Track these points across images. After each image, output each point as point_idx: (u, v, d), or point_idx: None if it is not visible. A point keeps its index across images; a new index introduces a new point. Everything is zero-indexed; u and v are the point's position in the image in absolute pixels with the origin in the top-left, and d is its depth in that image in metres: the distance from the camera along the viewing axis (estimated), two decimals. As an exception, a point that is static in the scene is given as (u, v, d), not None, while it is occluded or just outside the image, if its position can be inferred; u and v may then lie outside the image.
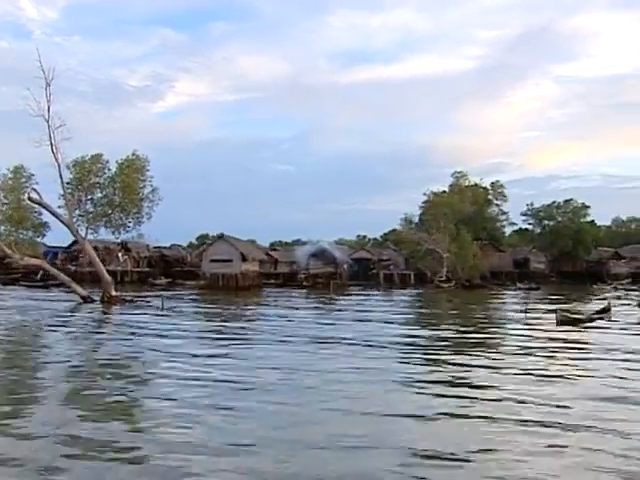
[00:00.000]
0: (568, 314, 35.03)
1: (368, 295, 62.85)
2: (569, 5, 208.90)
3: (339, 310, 44.75)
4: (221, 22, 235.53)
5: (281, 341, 25.81)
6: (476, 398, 14.98)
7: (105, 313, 40.43)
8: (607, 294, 60.89)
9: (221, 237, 73.71)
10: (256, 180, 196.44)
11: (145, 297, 51.04)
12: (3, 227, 47.37)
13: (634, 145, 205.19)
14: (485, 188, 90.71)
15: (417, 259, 79.97)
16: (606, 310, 37.56)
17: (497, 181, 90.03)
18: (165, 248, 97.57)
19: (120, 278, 78.33)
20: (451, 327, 31.97)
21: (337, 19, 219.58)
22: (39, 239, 54.80)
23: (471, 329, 31.21)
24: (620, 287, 77.48)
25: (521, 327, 32.30)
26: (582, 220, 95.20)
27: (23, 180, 48.77)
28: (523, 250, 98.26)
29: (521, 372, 18.54)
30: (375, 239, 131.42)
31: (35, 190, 47.75)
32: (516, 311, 41.68)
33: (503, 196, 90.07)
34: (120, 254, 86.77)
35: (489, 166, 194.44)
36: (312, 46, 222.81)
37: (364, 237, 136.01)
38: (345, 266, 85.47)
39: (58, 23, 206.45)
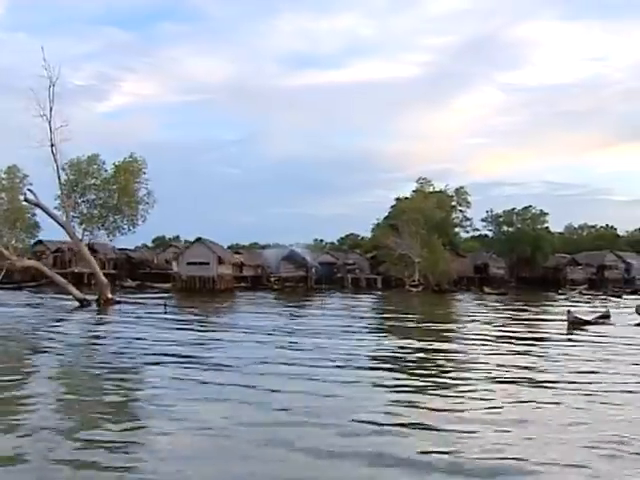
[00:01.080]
0: (579, 316, 36.61)
1: (354, 298, 63.51)
2: (514, 14, 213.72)
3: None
4: (169, 23, 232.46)
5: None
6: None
7: (101, 315, 40.52)
8: (573, 299, 64.32)
9: (198, 240, 73.72)
10: (202, 183, 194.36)
11: (138, 300, 50.87)
12: (-1, 228, 46.59)
13: (575, 153, 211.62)
14: (450, 195, 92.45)
15: (389, 263, 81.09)
16: (606, 316, 39.32)
17: (461, 187, 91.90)
18: (130, 250, 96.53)
19: (87, 280, 77.39)
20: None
21: (285, 23, 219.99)
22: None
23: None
24: (578, 293, 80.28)
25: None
26: (540, 227, 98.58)
27: (17, 180, 48.16)
28: (482, 256, 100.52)
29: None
30: (332, 243, 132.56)
31: (31, 191, 47.23)
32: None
33: (467, 202, 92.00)
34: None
35: (434, 172, 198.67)
36: (260, 49, 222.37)
37: (321, 241, 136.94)
38: (313, 270, 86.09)
39: (3, 19, 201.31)
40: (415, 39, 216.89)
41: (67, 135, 45.59)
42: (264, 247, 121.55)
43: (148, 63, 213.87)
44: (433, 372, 19.75)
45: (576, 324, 34.68)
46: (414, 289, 76.40)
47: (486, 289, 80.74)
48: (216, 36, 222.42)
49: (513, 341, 28.28)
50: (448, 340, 29.39)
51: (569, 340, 29.37)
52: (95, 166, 48.97)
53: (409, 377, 19.02)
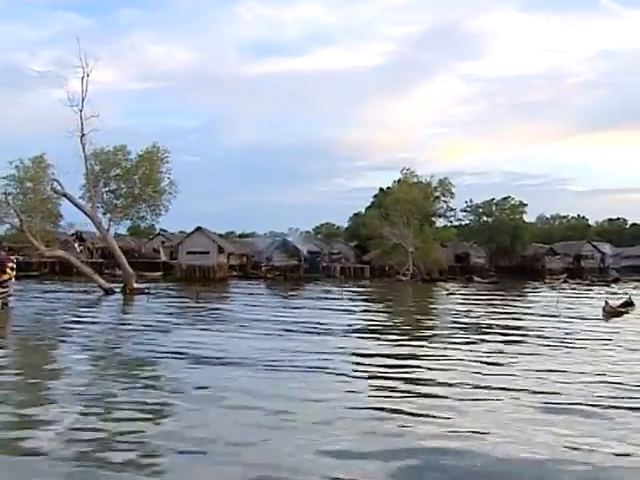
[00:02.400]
0: (612, 306, 38.36)
1: (363, 288, 64.41)
2: (476, 5, 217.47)
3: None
4: (130, 9, 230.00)
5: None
6: None
7: (127, 305, 40.70)
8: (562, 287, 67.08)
9: (198, 229, 73.99)
10: None
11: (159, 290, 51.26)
12: (25, 218, 46.28)
13: (534, 143, 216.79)
14: (435, 186, 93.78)
15: (383, 253, 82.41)
16: (630, 303, 41.23)
17: (445, 178, 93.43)
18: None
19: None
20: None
21: (246, 10, 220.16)
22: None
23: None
24: (563, 282, 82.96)
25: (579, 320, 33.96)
26: (519, 217, 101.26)
27: (44, 171, 47.98)
28: (463, 245, 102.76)
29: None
30: (307, 232, 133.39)
31: (57, 181, 47.16)
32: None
33: (451, 193, 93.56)
34: (76, 244, 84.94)
35: (394, 161, 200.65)
36: (221, 37, 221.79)
37: (296, 230, 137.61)
38: (303, 259, 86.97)
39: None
40: (377, 28, 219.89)
41: (97, 125, 45.99)
42: (240, 236, 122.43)
43: (108, 50, 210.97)
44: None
45: (613, 314, 36.32)
46: (404, 278, 77.79)
47: (475, 278, 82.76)
48: (177, 23, 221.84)
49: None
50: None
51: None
52: (120, 156, 48.97)
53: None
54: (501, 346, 22.97)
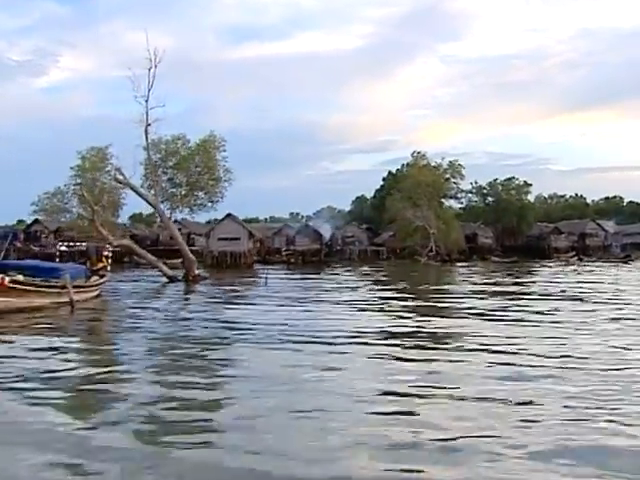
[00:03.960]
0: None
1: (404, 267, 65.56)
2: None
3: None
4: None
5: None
6: None
7: (190, 291, 40.27)
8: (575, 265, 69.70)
9: (229, 216, 74.85)
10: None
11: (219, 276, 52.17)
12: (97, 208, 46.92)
13: (516, 123, 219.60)
14: (445, 168, 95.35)
15: (405, 235, 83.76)
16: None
17: (456, 160, 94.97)
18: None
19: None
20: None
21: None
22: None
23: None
24: (577, 259, 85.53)
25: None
26: (524, 197, 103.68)
27: (104, 160, 48.65)
28: (471, 226, 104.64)
29: None
30: (309, 216, 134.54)
31: (119, 170, 47.76)
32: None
33: (461, 175, 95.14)
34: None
35: (378, 143, 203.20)
36: (201, 22, 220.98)
37: (297, 214, 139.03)
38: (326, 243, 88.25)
39: None
40: (357, 10, 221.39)
41: (161, 115, 46.69)
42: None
43: (87, 38, 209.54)
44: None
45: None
46: (423, 259, 79.25)
47: (493, 258, 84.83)
48: (155, 9, 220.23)
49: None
50: None
51: None
52: (179, 144, 49.71)
53: None
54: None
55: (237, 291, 39.47)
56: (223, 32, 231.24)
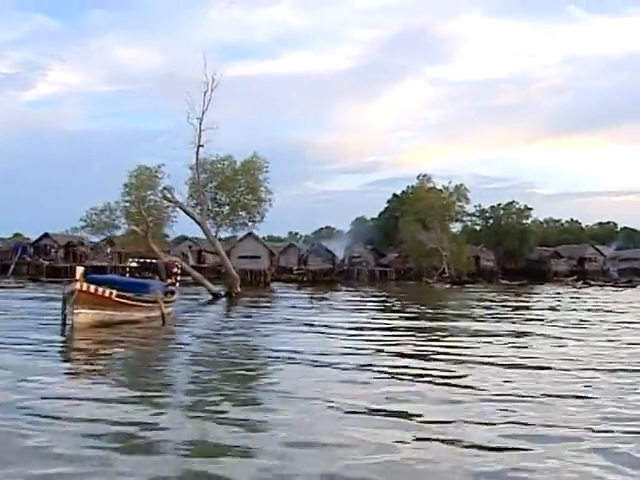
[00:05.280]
0: None
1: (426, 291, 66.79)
2: (445, 9, 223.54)
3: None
4: (99, 11, 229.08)
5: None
6: None
7: (231, 308, 41.48)
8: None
9: (249, 235, 75.92)
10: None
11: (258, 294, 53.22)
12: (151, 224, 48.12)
13: (502, 147, 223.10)
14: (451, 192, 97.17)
15: (417, 257, 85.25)
16: None
17: (461, 184, 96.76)
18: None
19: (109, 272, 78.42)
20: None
21: (217, 13, 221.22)
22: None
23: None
24: (584, 283, 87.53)
25: None
26: (525, 221, 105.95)
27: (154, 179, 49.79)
28: (473, 248, 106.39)
29: None
30: (307, 236, 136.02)
31: (166, 188, 49.02)
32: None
33: (466, 199, 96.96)
34: (108, 249, 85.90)
35: (365, 164, 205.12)
36: (191, 39, 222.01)
37: (296, 234, 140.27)
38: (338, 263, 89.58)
39: None
40: (347, 31, 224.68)
41: (212, 137, 48.06)
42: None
43: (76, 52, 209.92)
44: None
45: None
46: (432, 280, 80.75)
47: (501, 280, 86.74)
48: (146, 25, 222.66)
49: None
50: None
51: None
52: (225, 165, 50.95)
53: None
54: None
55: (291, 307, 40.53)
56: (213, 50, 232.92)
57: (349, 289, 66.63)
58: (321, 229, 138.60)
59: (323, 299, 50.30)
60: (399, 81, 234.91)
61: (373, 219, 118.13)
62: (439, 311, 38.82)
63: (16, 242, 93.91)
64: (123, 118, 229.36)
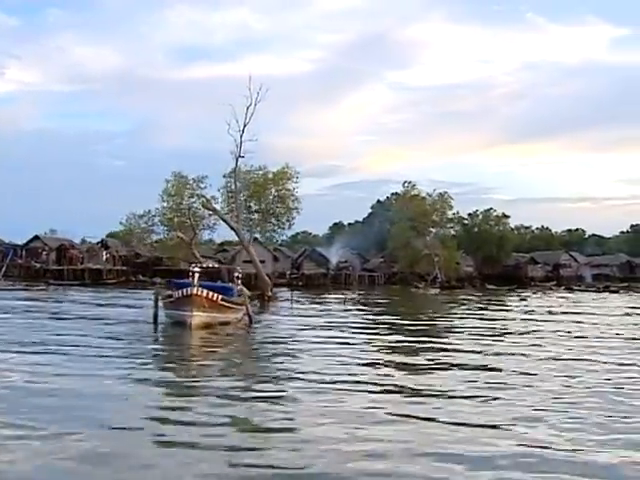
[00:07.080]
0: None
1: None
2: (406, 15, 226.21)
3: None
4: (57, 9, 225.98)
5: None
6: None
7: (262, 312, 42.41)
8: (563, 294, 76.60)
9: (255, 240, 77.22)
10: (89, 175, 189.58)
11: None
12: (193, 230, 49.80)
13: (460, 152, 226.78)
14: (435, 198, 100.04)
15: (411, 262, 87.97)
16: None
17: (445, 192, 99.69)
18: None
19: (105, 276, 79.42)
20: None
21: (176, 14, 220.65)
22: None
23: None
24: (565, 289, 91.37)
25: None
26: (503, 228, 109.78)
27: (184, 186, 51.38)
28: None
29: None
30: (284, 241, 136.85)
31: (204, 197, 50.66)
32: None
33: (450, 206, 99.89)
34: (104, 253, 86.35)
35: (323, 168, 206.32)
36: (150, 40, 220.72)
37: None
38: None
39: None
40: (307, 35, 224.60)
41: (252, 148, 49.90)
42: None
43: (33, 50, 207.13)
44: None
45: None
46: (422, 285, 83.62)
47: (488, 285, 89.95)
48: (105, 25, 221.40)
49: None
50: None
51: None
52: (259, 175, 52.73)
53: None
54: None
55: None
56: (172, 51, 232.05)
57: (347, 292, 68.13)
58: (297, 233, 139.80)
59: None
60: (359, 85, 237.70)
61: (350, 224, 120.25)
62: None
63: (6, 245, 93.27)
64: (81, 118, 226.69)
